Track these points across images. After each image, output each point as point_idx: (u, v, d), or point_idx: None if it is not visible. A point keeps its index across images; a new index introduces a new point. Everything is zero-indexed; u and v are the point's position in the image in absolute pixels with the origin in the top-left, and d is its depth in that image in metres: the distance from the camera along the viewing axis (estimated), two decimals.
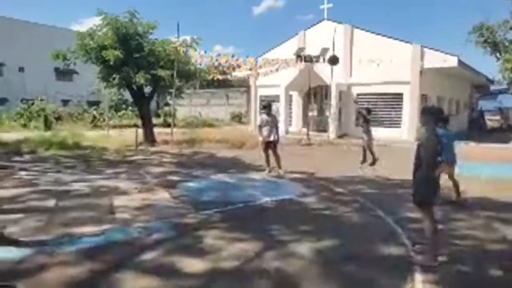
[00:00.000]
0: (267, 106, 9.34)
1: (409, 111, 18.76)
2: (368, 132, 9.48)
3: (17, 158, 10.94)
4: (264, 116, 9.22)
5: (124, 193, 6.90)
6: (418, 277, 3.58)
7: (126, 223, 5.13)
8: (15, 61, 32.56)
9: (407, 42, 19.11)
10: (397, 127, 19.29)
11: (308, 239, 4.58)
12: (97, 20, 13.96)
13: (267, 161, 9.22)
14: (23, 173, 8.76)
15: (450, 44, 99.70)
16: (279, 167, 9.07)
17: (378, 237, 4.69)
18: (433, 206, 3.91)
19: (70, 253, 4.04)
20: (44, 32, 33.01)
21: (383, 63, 18.58)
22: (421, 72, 18.60)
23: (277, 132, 9.15)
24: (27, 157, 11.40)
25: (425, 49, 18.62)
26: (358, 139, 18.10)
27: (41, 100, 25.46)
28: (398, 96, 19.43)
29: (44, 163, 10.27)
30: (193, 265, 3.79)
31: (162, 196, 6.78)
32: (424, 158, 3.89)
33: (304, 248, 4.28)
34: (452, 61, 17.86)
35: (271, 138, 9.02)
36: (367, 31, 20.51)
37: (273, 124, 9.09)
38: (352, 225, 5.27)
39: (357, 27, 20.83)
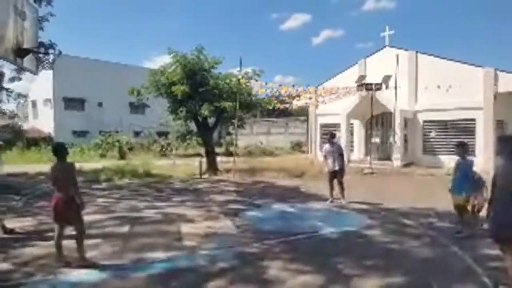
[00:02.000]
0: (331, 135, 9.31)
1: (484, 138, 17.43)
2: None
3: (95, 186, 11.95)
4: (328, 146, 9.18)
5: (190, 220, 7.20)
6: None
7: (192, 250, 5.34)
8: (95, 97, 36.09)
9: (478, 66, 18.06)
10: (471, 155, 17.96)
11: (373, 274, 4.39)
12: (166, 57, 15.16)
13: (331, 190, 9.08)
14: (100, 200, 9.54)
15: None
16: (343, 197, 8.88)
17: (452, 275, 4.36)
18: None
19: (141, 277, 4.29)
20: (119, 70, 36.40)
21: (452, 88, 17.64)
22: (495, 97, 17.37)
23: (342, 161, 9.01)
24: (104, 185, 12.40)
25: (498, 72, 17.44)
26: (425, 168, 17.27)
27: (117, 132, 27.78)
28: (471, 123, 18.22)
29: (119, 191, 11.10)
30: None
31: (226, 224, 6.95)
32: (502, 189, 3.61)
33: (370, 283, 4.11)
34: None
35: (337, 168, 8.91)
36: (433, 55, 19.78)
37: (337, 153, 9.00)
38: (422, 261, 4.94)
39: (422, 53, 20.17)
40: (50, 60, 5.93)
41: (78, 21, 75.81)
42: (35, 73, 6.40)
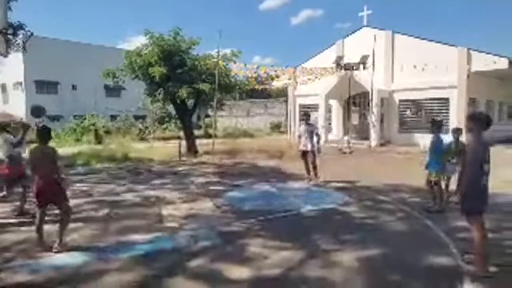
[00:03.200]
0: (305, 115, 9.42)
1: (457, 116, 17.98)
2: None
3: (72, 171, 11.73)
4: (303, 126, 9.29)
5: (171, 202, 7.22)
6: (467, 284, 3.47)
7: (174, 231, 5.39)
8: (69, 80, 34.95)
9: (452, 45, 18.45)
10: (444, 133, 18.55)
11: (352, 248, 4.59)
12: (143, 38, 14.79)
13: (307, 170, 9.25)
14: (78, 184, 9.39)
15: (500, 45, 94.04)
16: (316, 176, 9.08)
17: (424, 247, 4.59)
18: (481, 214, 3.78)
19: (124, 259, 4.33)
20: (94, 51, 35.20)
21: (427, 68, 18.00)
22: (468, 76, 17.86)
23: (318, 142, 9.15)
24: (80, 169, 12.19)
25: (472, 52, 17.89)
26: (401, 147, 17.77)
27: (92, 115, 27.13)
28: (444, 101, 18.75)
29: (96, 175, 10.94)
30: (238, 272, 3.93)
31: (207, 205, 7.02)
32: (470, 165, 3.79)
33: (348, 257, 4.29)
34: (503, 63, 17.00)
35: (308, 148, 9.04)
36: (409, 35, 20.06)
37: (311, 133, 9.10)
38: (397, 234, 5.18)
39: (398, 32, 20.41)
40: (20, 41, 5.67)
41: (49, 0, 72.38)
42: (4, 55, 6.14)
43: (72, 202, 7.01)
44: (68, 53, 33.79)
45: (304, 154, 9.17)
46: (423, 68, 17.96)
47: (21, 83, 33.68)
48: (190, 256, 4.41)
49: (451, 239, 4.80)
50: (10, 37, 5.84)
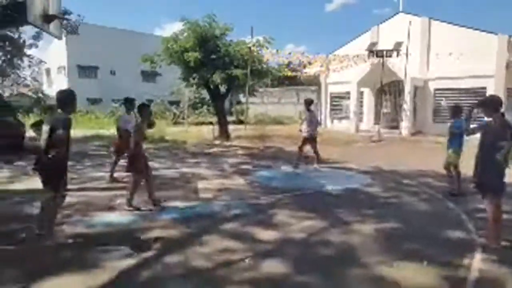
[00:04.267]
0: (307, 102, 9.25)
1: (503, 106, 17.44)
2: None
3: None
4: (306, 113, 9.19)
5: (205, 178, 7.80)
6: (478, 255, 3.76)
7: (208, 201, 5.93)
8: (108, 65, 36.47)
9: (491, 32, 17.82)
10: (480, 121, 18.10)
11: (371, 221, 4.94)
12: (177, 25, 15.43)
13: (299, 154, 9.20)
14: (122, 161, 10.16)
15: None
16: (317, 162, 9.06)
17: (443, 223, 4.87)
18: (500, 193, 4.00)
19: (167, 220, 4.91)
20: (131, 37, 36.46)
21: (464, 56, 17.52)
22: (507, 65, 17.24)
23: (314, 128, 9.01)
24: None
25: None
26: (434, 136, 17.51)
27: None
28: (481, 91, 18.20)
29: None
30: (266, 234, 4.39)
31: (238, 181, 7.53)
32: (487, 146, 4.02)
33: (367, 227, 4.65)
34: None
35: (305, 134, 8.98)
36: (447, 22, 19.51)
37: (311, 120, 8.98)
38: (418, 212, 5.47)
39: (435, 19, 19.88)
40: (74, 25, 6.27)
41: None
42: (59, 38, 6.83)
43: (118, 175, 7.81)
44: (107, 39, 35.15)
45: (305, 139, 9.06)
46: (458, 57, 17.49)
47: (64, 68, 35.52)
48: (223, 220, 4.93)
49: (470, 218, 5.03)
50: (65, 21, 6.47)
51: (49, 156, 3.94)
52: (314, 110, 9.71)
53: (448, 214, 5.34)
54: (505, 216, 4.33)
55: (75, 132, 15.38)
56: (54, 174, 4.03)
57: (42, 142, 3.98)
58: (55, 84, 36.85)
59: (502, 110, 4.29)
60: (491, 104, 4.28)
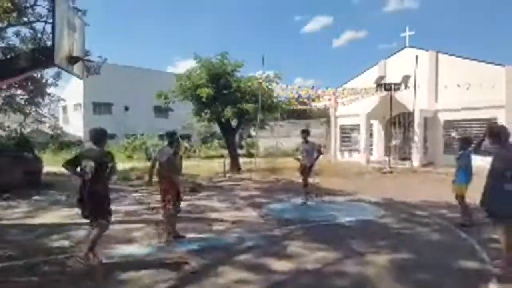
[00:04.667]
0: (303, 132, 9.17)
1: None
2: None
3: (129, 183, 12.85)
4: (302, 143, 9.11)
5: (218, 210, 7.91)
6: (493, 286, 3.76)
7: (222, 233, 6.02)
8: (122, 101, 37.61)
9: (499, 64, 18.12)
10: (491, 155, 17.98)
11: (386, 251, 4.97)
12: (189, 62, 16.12)
13: (305, 184, 9.05)
14: (134, 194, 10.37)
15: None
16: (306, 193, 8.98)
17: (456, 253, 4.87)
18: (506, 218, 4.05)
19: (182, 251, 5.01)
20: (144, 75, 37.78)
21: (473, 87, 17.75)
22: None
23: (317, 157, 9.13)
24: (135, 181, 13.29)
25: None
26: (445, 167, 17.39)
27: (142, 135, 29.03)
28: (493, 122, 18.23)
29: (149, 187, 11.91)
30: (280, 265, 4.46)
31: (250, 214, 7.62)
32: (495, 174, 4.11)
33: (381, 258, 4.68)
34: None
35: (304, 162, 8.93)
36: (453, 55, 19.91)
37: (310, 150, 8.96)
38: (430, 243, 5.47)
39: (443, 52, 20.32)
40: (96, 66, 6.69)
41: (101, 28, 78.43)
42: (82, 78, 7.26)
43: (132, 208, 7.97)
44: (121, 77, 36.45)
45: (304, 170, 9.01)
46: (467, 88, 17.71)
47: (80, 105, 36.72)
48: (237, 252, 5.01)
49: (483, 247, 5.03)
50: (89, 63, 6.91)
51: (99, 187, 4.42)
52: (313, 141, 9.57)
53: (461, 244, 5.34)
54: None
55: None
56: (105, 203, 4.53)
57: (90, 175, 4.37)
58: (71, 120, 38.02)
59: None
60: (499, 133, 4.41)
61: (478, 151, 5.20)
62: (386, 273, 4.20)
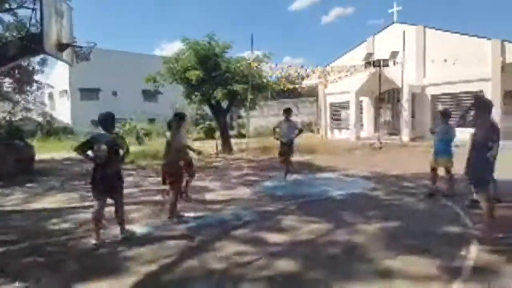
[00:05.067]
0: (285, 111, 8.99)
1: (493, 109, 17.74)
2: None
3: (122, 167, 12.90)
4: (283, 122, 8.93)
5: (213, 190, 8.09)
6: (474, 247, 4.03)
7: (218, 211, 6.21)
8: (109, 86, 37.13)
9: (484, 37, 18.29)
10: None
11: (375, 221, 5.22)
12: (177, 45, 16.00)
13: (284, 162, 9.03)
14: (130, 178, 10.47)
15: None
16: (288, 170, 8.99)
17: (441, 220, 5.15)
18: (487, 185, 4.29)
19: (181, 229, 5.19)
20: (131, 59, 37.18)
21: (459, 61, 17.95)
22: (502, 68, 17.64)
23: (297, 134, 9.01)
24: (129, 166, 13.36)
25: (506, 43, 17.66)
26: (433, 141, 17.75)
27: (131, 119, 28.89)
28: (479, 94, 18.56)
29: (143, 170, 12.07)
30: (275, 238, 4.67)
31: (244, 192, 7.82)
32: (478, 143, 4.33)
33: (371, 227, 4.94)
34: None
35: (285, 139, 8.81)
36: (440, 30, 20.00)
37: (292, 128, 8.87)
38: (417, 212, 5.76)
39: (430, 27, 20.40)
40: (86, 52, 6.63)
41: (88, 11, 76.44)
42: (72, 64, 7.24)
43: (128, 191, 8.09)
44: (108, 61, 35.81)
45: (283, 148, 8.88)
46: (454, 63, 17.92)
47: (66, 91, 36.20)
48: (234, 227, 5.21)
49: (466, 214, 5.32)
50: (78, 49, 6.89)
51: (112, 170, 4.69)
52: (294, 120, 9.42)
53: (446, 212, 5.62)
54: (501, 211, 4.63)
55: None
56: (120, 182, 4.92)
57: (103, 158, 4.56)
58: (58, 107, 37.51)
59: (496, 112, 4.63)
60: (483, 105, 4.61)
61: (462, 123, 5.40)
62: (375, 240, 4.45)
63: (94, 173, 4.65)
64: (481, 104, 4.61)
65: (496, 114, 16.15)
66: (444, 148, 6.59)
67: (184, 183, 6.63)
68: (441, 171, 6.83)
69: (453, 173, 6.55)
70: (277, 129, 9.08)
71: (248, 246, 4.41)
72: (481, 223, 4.56)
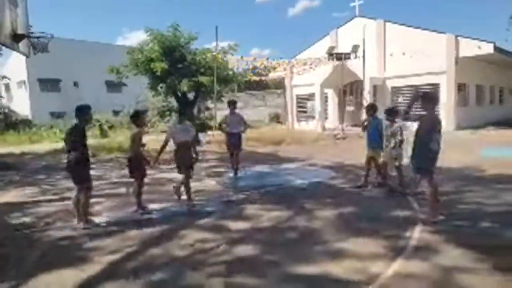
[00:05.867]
0: (229, 103, 8.94)
1: (447, 100, 18.82)
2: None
3: None
4: (228, 114, 8.81)
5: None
6: (418, 228, 4.43)
7: (183, 201, 6.34)
8: (70, 77, 35.76)
9: (441, 32, 19.22)
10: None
11: (331, 207, 5.55)
12: (141, 34, 15.71)
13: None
14: (92, 171, 10.30)
15: (489, 32, 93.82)
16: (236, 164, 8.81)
17: (393, 206, 5.56)
18: (430, 172, 4.69)
19: (145, 219, 5.31)
20: (93, 48, 35.93)
21: (417, 54, 18.82)
22: (456, 61, 18.65)
23: (244, 129, 8.97)
24: (92, 159, 13.10)
25: (459, 38, 18.64)
26: None
27: (94, 111, 28.18)
28: (435, 87, 19.52)
29: (107, 163, 11.91)
30: (238, 225, 4.89)
31: (210, 183, 7.98)
32: (424, 132, 4.72)
33: (327, 213, 5.27)
34: (488, 48, 17.76)
35: (235, 130, 8.70)
36: (400, 24, 20.78)
37: (237, 121, 8.74)
38: (372, 198, 6.15)
39: (390, 21, 21.14)
40: (43, 43, 6.44)
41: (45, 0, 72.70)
42: (28, 56, 7.04)
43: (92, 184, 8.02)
44: (68, 51, 34.42)
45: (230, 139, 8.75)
46: (411, 56, 18.76)
47: (24, 82, 34.53)
48: (198, 216, 5.38)
49: (415, 199, 5.75)
50: (35, 40, 6.71)
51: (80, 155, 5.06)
52: (239, 113, 9.12)
53: (397, 198, 6.04)
54: (443, 197, 5.08)
55: (39, 147, 15.31)
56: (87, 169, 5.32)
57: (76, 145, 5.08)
58: (16, 98, 35.74)
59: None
60: (430, 99, 4.99)
61: (407, 116, 5.71)
62: (330, 225, 4.77)
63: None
64: (426, 98, 4.98)
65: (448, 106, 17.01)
66: (370, 141, 6.84)
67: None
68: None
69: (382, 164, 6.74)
70: (224, 125, 8.88)
71: (210, 234, 4.60)
72: (426, 207, 4.98)
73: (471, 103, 21.28)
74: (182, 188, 6.30)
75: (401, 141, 6.35)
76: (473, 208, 5.26)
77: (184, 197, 6.26)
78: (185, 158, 6.24)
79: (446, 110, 18.68)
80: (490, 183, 6.63)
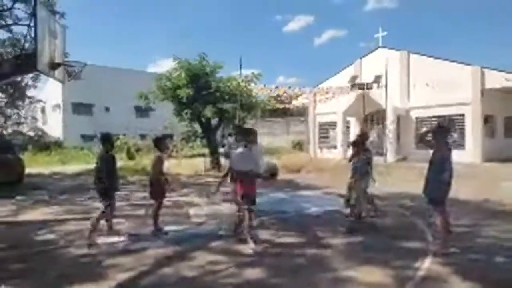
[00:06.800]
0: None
1: (473, 132, 18.46)
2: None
3: None
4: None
5: (197, 205, 8.39)
6: (428, 259, 4.40)
7: (199, 224, 6.53)
8: (102, 102, 37.47)
9: (467, 64, 19.11)
10: (460, 149, 18.96)
11: (342, 236, 5.58)
12: (170, 62, 16.44)
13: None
14: (118, 192, 10.71)
15: None
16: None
17: (406, 235, 5.52)
18: (443, 204, 4.69)
19: (162, 241, 5.50)
20: (125, 75, 37.73)
21: (442, 85, 18.72)
22: (482, 93, 18.39)
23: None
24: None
25: (485, 70, 18.46)
26: (418, 162, 18.29)
27: (123, 135, 29.20)
28: (460, 118, 19.22)
29: (132, 185, 12.32)
30: (249, 249, 4.98)
31: (227, 207, 8.11)
32: (437, 164, 4.76)
33: (337, 241, 5.29)
34: None
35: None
36: (424, 55, 20.82)
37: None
38: (384, 227, 6.11)
39: (414, 52, 21.23)
40: (77, 71, 6.98)
41: (81, 27, 77.36)
42: (63, 82, 7.61)
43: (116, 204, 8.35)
44: (101, 77, 36.26)
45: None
46: (435, 86, 18.68)
47: (59, 106, 36.41)
48: (211, 239, 5.53)
49: (429, 229, 5.69)
50: (70, 68, 7.27)
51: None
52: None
53: (412, 228, 5.99)
54: (458, 229, 5.04)
55: (68, 168, 15.93)
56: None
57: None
58: (50, 121, 37.64)
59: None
60: (443, 132, 5.04)
61: (421, 145, 5.75)
62: (338, 253, 4.80)
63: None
64: (439, 129, 5.04)
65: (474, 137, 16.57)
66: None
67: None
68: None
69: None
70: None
71: (221, 256, 4.73)
72: (438, 239, 4.93)
73: (499, 135, 20.72)
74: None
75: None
76: (489, 242, 5.16)
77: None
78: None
79: (472, 142, 18.29)
80: (510, 217, 6.46)
